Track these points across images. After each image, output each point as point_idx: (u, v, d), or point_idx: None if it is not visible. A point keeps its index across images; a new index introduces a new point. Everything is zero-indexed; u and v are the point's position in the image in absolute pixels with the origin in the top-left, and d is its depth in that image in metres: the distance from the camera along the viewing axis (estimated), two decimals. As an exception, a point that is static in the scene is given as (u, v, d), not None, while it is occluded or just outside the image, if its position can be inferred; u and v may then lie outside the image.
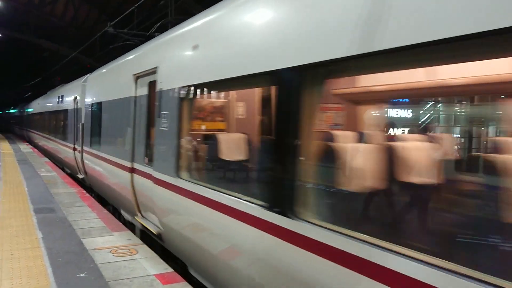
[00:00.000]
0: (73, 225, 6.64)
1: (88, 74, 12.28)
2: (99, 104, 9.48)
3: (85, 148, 10.78)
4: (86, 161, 10.69)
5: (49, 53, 40.77)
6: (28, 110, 33.91)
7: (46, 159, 17.09)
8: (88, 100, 10.90)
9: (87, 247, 5.54)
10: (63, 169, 14.69)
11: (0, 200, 8.38)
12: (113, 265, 4.90)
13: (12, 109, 57.47)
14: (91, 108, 10.34)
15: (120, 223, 6.94)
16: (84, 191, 9.86)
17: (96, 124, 9.45)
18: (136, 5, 14.39)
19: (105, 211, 7.81)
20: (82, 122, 11.31)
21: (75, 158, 12.39)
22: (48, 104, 21.15)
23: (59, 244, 5.65)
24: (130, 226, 7.14)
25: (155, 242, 6.03)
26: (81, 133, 11.36)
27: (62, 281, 4.37)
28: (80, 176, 11.91)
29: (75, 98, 13.11)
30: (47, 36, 36.14)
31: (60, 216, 7.23)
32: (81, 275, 4.56)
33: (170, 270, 4.82)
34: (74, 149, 12.46)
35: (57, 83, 28.77)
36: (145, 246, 5.69)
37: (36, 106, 27.50)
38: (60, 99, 16.84)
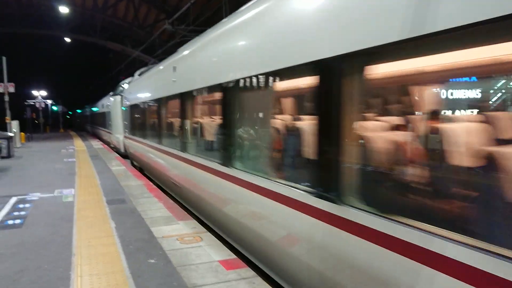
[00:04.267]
0: (142, 215, 7.03)
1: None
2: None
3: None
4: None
5: (114, 53, 42.97)
6: (92, 109, 36.67)
7: (116, 154, 18.10)
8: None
9: (156, 235, 5.86)
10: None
11: (76, 193, 9.05)
12: (180, 251, 5.15)
13: (79, 110, 60.62)
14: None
15: (186, 213, 7.24)
16: (151, 183, 10.37)
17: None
18: (191, 2, 14.74)
19: (171, 201, 8.18)
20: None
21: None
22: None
23: (130, 232, 6.02)
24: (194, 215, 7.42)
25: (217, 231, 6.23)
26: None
27: (135, 267, 4.67)
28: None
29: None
30: (111, 38, 38.13)
31: (130, 207, 7.68)
32: (151, 261, 4.85)
33: (233, 256, 4.98)
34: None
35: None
36: (209, 233, 5.91)
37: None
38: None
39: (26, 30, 37.14)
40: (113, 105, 21.07)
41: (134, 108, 14.30)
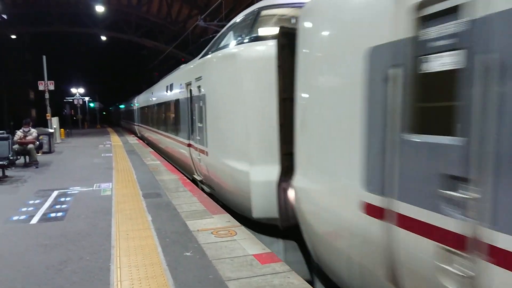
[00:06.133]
0: (177, 209, 7.17)
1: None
2: None
3: None
4: None
5: (148, 50, 43.78)
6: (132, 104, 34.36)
7: (151, 149, 18.47)
8: None
9: (191, 228, 5.97)
10: None
11: (114, 187, 9.32)
12: (214, 245, 5.22)
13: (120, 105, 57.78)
14: None
15: (219, 207, 7.32)
16: (186, 178, 10.54)
17: None
18: (223, -3, 14.78)
19: (205, 195, 8.29)
20: None
21: None
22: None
23: (166, 225, 6.16)
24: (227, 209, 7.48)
25: (252, 224, 6.27)
26: None
27: (171, 259, 4.78)
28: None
29: None
30: (145, 35, 38.88)
31: (166, 201, 7.84)
32: (187, 253, 4.95)
33: (268, 250, 5.00)
34: None
35: (155, 79, 30.81)
36: (243, 227, 5.95)
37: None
38: None
39: (63, 29, 38.43)
40: (212, 81, 7.96)
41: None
